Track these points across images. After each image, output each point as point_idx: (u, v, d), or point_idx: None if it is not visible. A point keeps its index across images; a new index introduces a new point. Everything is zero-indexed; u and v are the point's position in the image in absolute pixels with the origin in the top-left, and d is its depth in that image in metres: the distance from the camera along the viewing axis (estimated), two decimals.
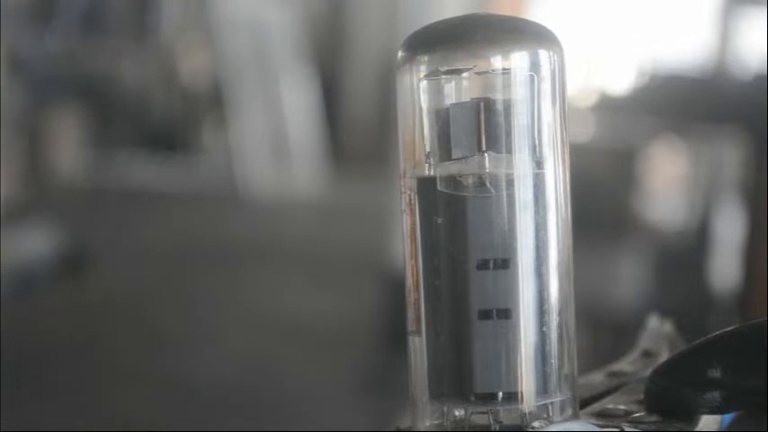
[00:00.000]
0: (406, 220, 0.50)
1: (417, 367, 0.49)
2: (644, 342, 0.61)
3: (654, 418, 0.49)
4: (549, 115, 0.49)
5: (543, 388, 0.48)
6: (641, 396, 0.51)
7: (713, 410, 0.49)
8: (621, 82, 5.07)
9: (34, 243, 4.26)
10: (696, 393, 0.48)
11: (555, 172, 0.49)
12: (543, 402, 0.48)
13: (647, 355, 0.58)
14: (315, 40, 8.36)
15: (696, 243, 3.39)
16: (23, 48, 7.42)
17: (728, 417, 0.50)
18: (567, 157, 0.50)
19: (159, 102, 8.23)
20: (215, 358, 3.42)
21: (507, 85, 0.48)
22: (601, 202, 3.47)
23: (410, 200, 0.49)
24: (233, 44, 7.36)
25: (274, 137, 7.47)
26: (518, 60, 0.48)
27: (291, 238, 5.62)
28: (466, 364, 0.48)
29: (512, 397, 0.48)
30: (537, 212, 0.48)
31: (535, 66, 0.48)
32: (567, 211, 0.49)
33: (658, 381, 0.50)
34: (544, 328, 0.48)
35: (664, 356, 0.57)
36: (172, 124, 8.15)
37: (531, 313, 0.48)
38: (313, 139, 7.73)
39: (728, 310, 3.13)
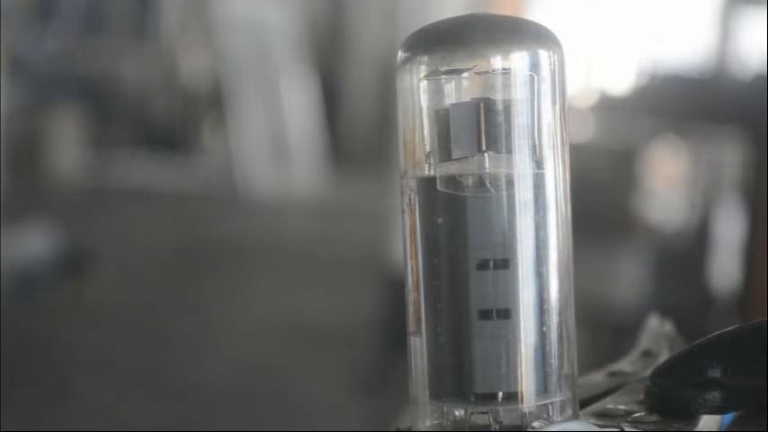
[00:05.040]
0: (406, 220, 0.50)
1: (417, 367, 0.49)
2: (644, 342, 0.61)
3: (654, 418, 0.49)
4: (549, 115, 0.49)
5: (543, 388, 0.48)
6: (641, 396, 0.51)
7: (713, 410, 0.49)
8: (621, 82, 5.07)
9: (34, 243, 4.26)
10: (696, 393, 0.48)
11: (555, 172, 0.49)
12: (543, 402, 0.48)
13: (647, 355, 0.58)
14: (315, 40, 8.36)
15: (696, 243, 3.39)
16: (23, 48, 7.43)
17: (728, 417, 0.50)
18: (567, 157, 0.50)
19: (159, 102, 8.24)
20: (215, 358, 3.42)
21: (507, 85, 0.48)
22: (601, 202, 3.47)
23: (410, 200, 0.49)
24: (233, 44, 7.36)
25: (274, 137, 7.47)
26: (518, 60, 0.48)
27: (291, 237, 5.62)
28: (466, 365, 0.48)
29: (512, 397, 0.48)
30: (537, 212, 0.48)
31: (535, 66, 0.48)
32: (567, 211, 0.49)
33: (658, 381, 0.50)
34: (544, 329, 0.48)
35: (664, 356, 0.57)
36: (172, 124, 8.16)
37: (531, 313, 0.48)
38: (313, 139, 7.74)
39: (728, 310, 3.13)
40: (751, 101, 3.18)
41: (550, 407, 0.48)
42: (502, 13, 0.51)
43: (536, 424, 0.48)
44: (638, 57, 5.23)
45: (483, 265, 0.48)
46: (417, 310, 0.49)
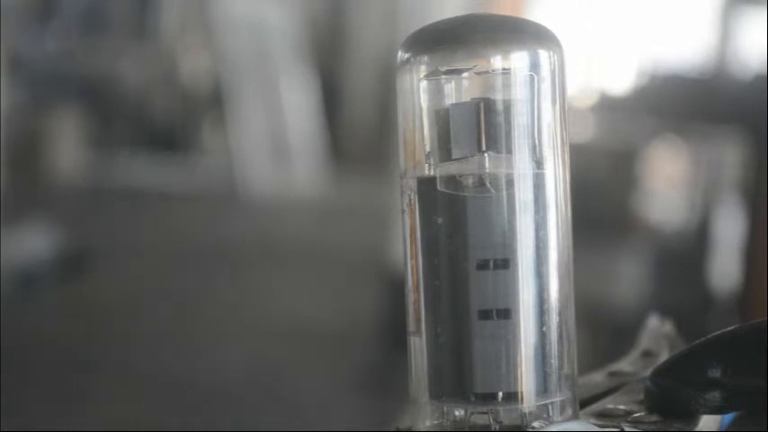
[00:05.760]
0: (406, 220, 0.50)
1: (417, 367, 0.49)
2: (644, 342, 0.61)
3: (654, 418, 0.49)
4: (549, 115, 0.49)
5: (543, 388, 0.48)
6: (641, 396, 0.51)
7: (713, 410, 0.49)
8: (621, 82, 5.07)
9: (34, 243, 4.26)
10: (696, 393, 0.48)
11: (555, 172, 0.49)
12: (543, 402, 0.48)
13: (647, 355, 0.58)
14: (315, 40, 8.36)
15: (696, 243, 3.39)
16: (23, 48, 7.42)
17: (728, 417, 0.50)
18: (567, 157, 0.50)
19: (159, 102, 8.23)
20: (215, 358, 3.42)
21: (507, 85, 0.48)
22: (601, 202, 3.47)
23: (410, 200, 0.49)
24: (233, 44, 7.36)
25: (274, 137, 7.47)
26: (518, 60, 0.48)
27: (291, 238, 5.62)
28: (466, 365, 0.48)
29: (512, 397, 0.48)
30: (537, 212, 0.48)
31: (535, 66, 0.48)
32: (567, 211, 0.49)
33: (658, 381, 0.50)
34: (544, 329, 0.48)
35: (664, 356, 0.57)
36: (172, 124, 8.16)
37: (531, 313, 0.48)
38: (313, 139, 7.74)
39: (728, 310, 3.13)
40: (751, 101, 3.18)
41: (550, 407, 0.48)
42: (502, 13, 0.51)
43: (536, 424, 0.48)
44: (638, 57, 5.23)
45: (483, 265, 0.48)
46: (417, 310, 0.49)
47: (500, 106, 0.48)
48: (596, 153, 3.67)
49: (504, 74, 0.48)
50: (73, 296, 4.11)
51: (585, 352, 0.58)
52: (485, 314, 0.48)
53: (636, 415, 0.50)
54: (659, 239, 3.58)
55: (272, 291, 4.39)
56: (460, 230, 0.48)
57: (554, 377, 0.48)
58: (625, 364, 0.57)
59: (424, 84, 0.49)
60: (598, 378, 0.56)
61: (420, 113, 0.49)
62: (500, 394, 0.48)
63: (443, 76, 0.49)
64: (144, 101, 8.19)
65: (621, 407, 0.51)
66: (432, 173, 0.49)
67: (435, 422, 0.49)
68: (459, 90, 0.49)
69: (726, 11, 5.93)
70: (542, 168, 0.48)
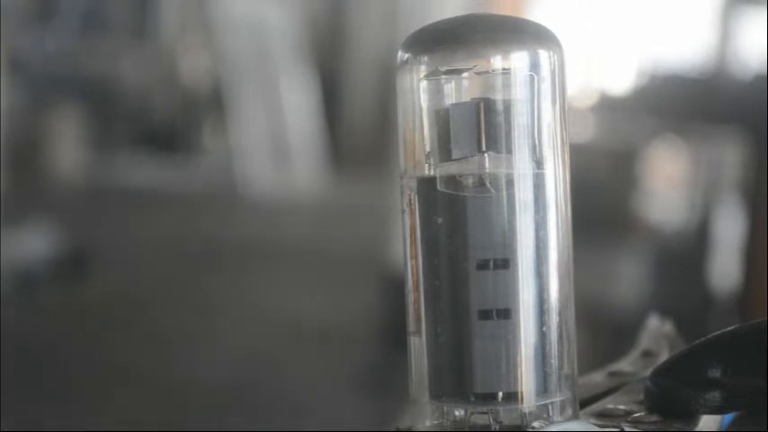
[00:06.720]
0: (406, 220, 0.50)
1: (417, 367, 0.49)
2: (644, 342, 0.61)
3: (654, 418, 0.49)
4: (549, 115, 0.49)
5: (543, 388, 0.48)
6: (641, 396, 0.51)
7: (713, 410, 0.49)
8: (621, 82, 5.07)
9: (34, 243, 4.26)
10: (696, 393, 0.48)
11: (555, 172, 0.49)
12: (543, 402, 0.48)
13: (647, 355, 0.58)
14: (315, 40, 8.36)
15: (696, 243, 3.39)
16: (23, 48, 7.42)
17: (728, 417, 0.50)
18: (567, 157, 0.50)
19: (159, 102, 8.23)
20: (215, 358, 3.42)
21: (507, 85, 0.48)
22: (601, 202, 3.47)
23: (410, 200, 0.49)
24: (233, 44, 7.36)
25: (274, 137, 7.47)
26: (518, 60, 0.48)
27: (291, 237, 5.62)
28: (466, 365, 0.48)
29: (512, 397, 0.48)
30: (537, 212, 0.48)
31: (535, 66, 0.48)
32: (567, 211, 0.49)
33: (658, 381, 0.50)
34: (544, 329, 0.48)
35: (664, 356, 0.57)
36: (172, 124, 8.16)
37: (531, 313, 0.48)
38: (313, 139, 7.73)
39: (728, 310, 3.13)
40: (751, 101, 3.18)
41: (550, 407, 0.48)
42: (502, 13, 0.51)
43: (536, 424, 0.48)
44: (638, 57, 5.23)
45: (483, 265, 0.48)
46: (417, 310, 0.49)
47: (500, 106, 0.48)
48: (596, 153, 3.67)
49: (504, 74, 0.48)
50: (73, 296, 4.11)
51: (585, 352, 0.58)
52: (485, 314, 0.48)
53: (636, 415, 0.50)
54: (659, 239, 3.57)
55: (272, 290, 4.39)
56: (460, 230, 0.48)
57: (554, 377, 0.48)
58: (625, 364, 0.57)
59: (424, 84, 0.49)
60: (598, 378, 0.56)
61: (420, 113, 0.49)
62: (500, 394, 0.48)
63: (443, 76, 0.49)
64: (144, 101, 8.20)
65: (621, 407, 0.51)
66: (432, 173, 0.49)
67: (435, 422, 0.49)
68: (459, 90, 0.49)
69: (726, 11, 5.93)
70: (542, 168, 0.48)
